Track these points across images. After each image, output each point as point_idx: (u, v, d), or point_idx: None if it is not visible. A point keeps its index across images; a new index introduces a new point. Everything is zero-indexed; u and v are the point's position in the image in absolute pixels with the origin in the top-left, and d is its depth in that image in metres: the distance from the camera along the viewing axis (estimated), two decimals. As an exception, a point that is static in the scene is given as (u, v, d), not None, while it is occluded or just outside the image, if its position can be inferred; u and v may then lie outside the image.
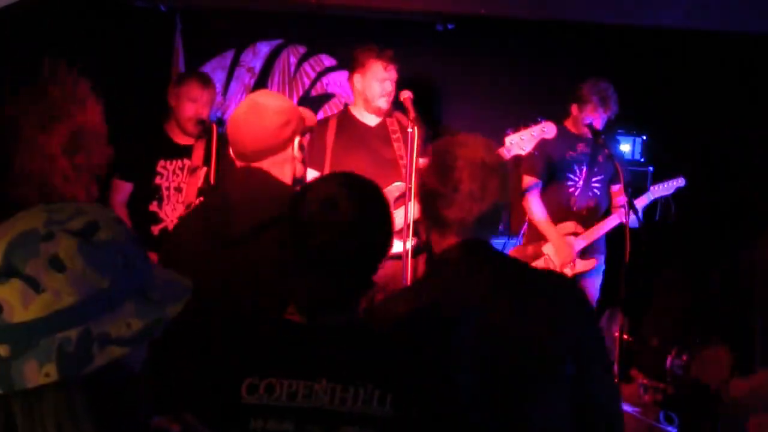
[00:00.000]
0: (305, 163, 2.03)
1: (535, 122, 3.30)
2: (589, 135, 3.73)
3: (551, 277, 1.74)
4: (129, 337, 0.85)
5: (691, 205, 4.08)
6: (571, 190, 3.76)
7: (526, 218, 3.87)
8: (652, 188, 3.89)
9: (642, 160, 4.41)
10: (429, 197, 1.57)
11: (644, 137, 4.42)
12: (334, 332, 1.35)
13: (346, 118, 3.42)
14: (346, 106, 3.51)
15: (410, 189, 2.95)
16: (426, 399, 1.30)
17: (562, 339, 1.49)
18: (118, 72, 4.05)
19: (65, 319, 0.83)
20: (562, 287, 1.63)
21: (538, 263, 3.65)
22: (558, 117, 3.69)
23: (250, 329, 1.46)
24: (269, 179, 1.89)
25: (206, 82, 3.40)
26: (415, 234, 3.33)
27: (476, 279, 1.52)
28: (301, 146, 1.98)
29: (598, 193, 3.80)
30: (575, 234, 3.72)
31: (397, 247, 3.15)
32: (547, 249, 3.72)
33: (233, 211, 1.81)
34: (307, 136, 3.20)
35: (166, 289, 0.93)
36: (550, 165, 3.68)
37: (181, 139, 3.38)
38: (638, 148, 4.44)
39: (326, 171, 3.32)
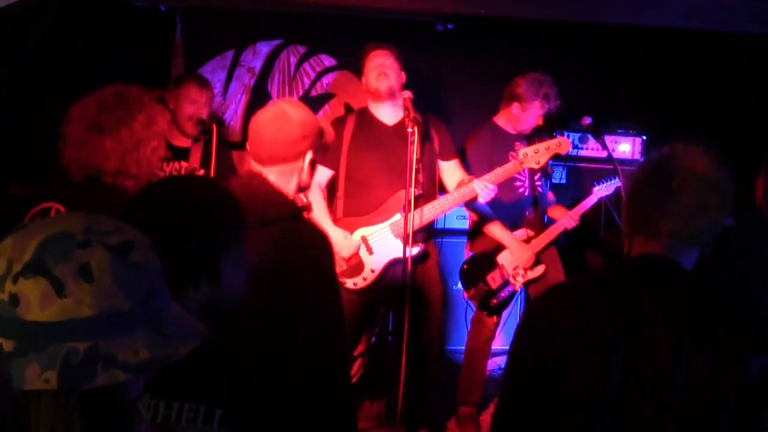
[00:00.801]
0: (311, 176, 2.08)
1: (551, 136, 3.26)
2: (526, 133, 3.58)
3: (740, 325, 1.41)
4: (134, 364, 0.84)
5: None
6: (521, 191, 3.63)
7: (470, 227, 3.72)
8: (595, 189, 3.77)
9: (642, 160, 4.41)
10: (641, 203, 1.50)
11: (644, 137, 4.42)
12: None
13: (364, 116, 3.37)
14: (365, 106, 3.44)
15: (411, 192, 2.94)
16: (261, 415, 1.23)
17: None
18: (117, 72, 4.05)
19: (78, 330, 0.82)
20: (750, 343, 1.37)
21: (494, 275, 3.51)
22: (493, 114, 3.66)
23: None
24: (265, 186, 1.95)
25: (204, 84, 3.40)
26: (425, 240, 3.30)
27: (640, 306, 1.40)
28: (312, 162, 2.03)
29: (541, 191, 3.72)
30: (527, 241, 3.58)
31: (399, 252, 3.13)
32: (503, 258, 3.54)
33: None
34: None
35: (180, 328, 0.92)
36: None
37: (179, 142, 3.38)
38: (638, 148, 4.44)
39: (341, 170, 3.29)
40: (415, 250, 3.10)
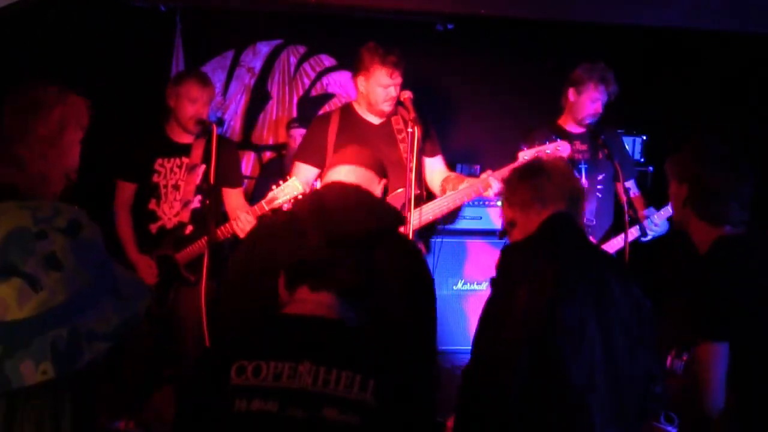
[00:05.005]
0: None
1: (551, 140, 3.23)
2: (585, 123, 3.51)
3: None
4: (110, 332, 0.88)
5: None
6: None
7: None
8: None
9: (642, 160, 4.41)
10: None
11: (644, 137, 4.42)
12: (319, 320, 1.45)
13: (349, 114, 3.28)
14: (349, 102, 3.37)
15: (410, 191, 2.92)
16: (405, 390, 1.37)
17: None
18: (117, 72, 4.06)
19: (56, 317, 0.84)
20: None
21: None
22: (556, 116, 3.65)
23: (244, 319, 1.59)
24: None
25: (205, 81, 3.37)
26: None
27: None
28: None
29: (600, 195, 3.62)
30: None
31: None
32: None
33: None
34: None
35: (132, 287, 0.96)
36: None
37: (180, 138, 3.36)
38: (638, 148, 4.44)
39: (326, 168, 3.22)
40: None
